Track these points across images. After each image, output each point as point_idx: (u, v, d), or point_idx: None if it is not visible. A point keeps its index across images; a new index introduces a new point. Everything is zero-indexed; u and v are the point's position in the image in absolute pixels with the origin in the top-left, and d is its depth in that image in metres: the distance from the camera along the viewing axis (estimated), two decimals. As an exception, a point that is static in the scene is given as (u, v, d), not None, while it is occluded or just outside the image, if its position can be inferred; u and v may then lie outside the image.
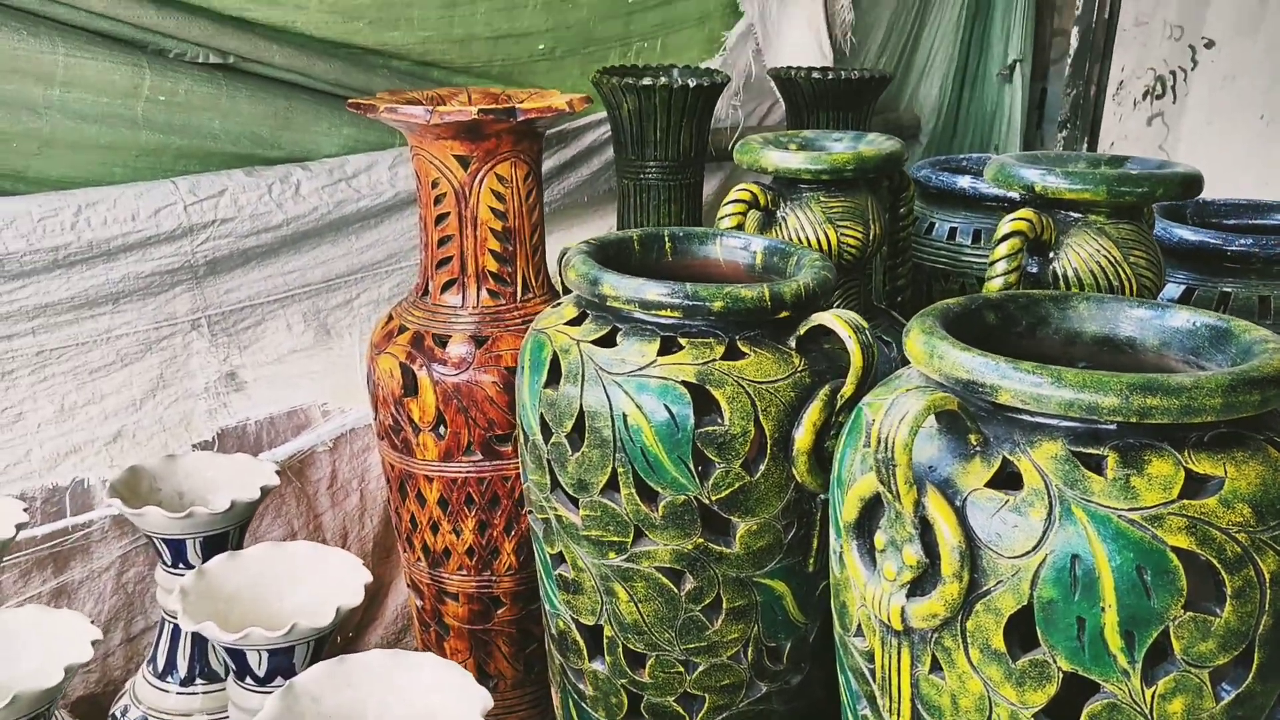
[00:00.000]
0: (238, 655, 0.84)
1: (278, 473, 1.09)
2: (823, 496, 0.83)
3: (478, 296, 1.11)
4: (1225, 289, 1.03)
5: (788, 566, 0.85)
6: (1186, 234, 1.05)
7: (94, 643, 0.84)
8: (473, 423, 1.09)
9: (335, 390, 1.30)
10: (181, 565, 1.02)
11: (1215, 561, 0.56)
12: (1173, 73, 1.87)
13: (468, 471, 1.11)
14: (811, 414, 0.80)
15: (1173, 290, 1.06)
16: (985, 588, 0.59)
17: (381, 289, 1.33)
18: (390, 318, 1.15)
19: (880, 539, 0.64)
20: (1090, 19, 1.85)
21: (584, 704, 0.93)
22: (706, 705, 0.88)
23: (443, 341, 1.10)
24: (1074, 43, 1.89)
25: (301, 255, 1.26)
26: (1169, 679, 0.57)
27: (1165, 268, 0.93)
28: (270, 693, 0.79)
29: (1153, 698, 0.57)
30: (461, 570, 1.16)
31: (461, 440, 1.10)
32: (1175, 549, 0.56)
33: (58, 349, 1.11)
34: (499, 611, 1.17)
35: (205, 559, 1.00)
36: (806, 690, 0.94)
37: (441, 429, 1.10)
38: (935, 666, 0.63)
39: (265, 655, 0.83)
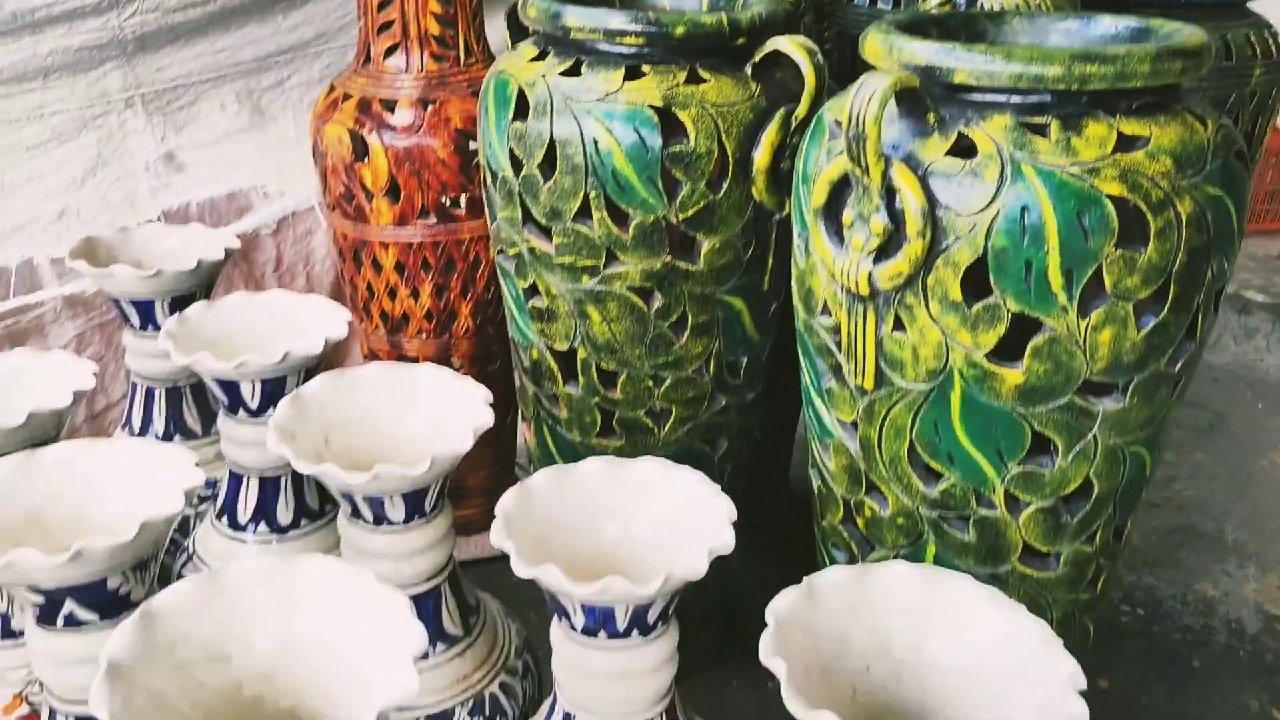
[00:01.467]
0: (230, 387, 0.88)
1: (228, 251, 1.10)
2: (778, 216, 0.90)
3: (421, 60, 1.12)
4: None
5: (745, 285, 0.92)
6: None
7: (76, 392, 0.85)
8: (426, 186, 1.12)
9: (273, 173, 1.30)
10: (150, 328, 1.04)
11: (1142, 204, 0.65)
12: None
13: (423, 236, 1.15)
14: (769, 135, 0.86)
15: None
16: (945, 244, 0.67)
17: (312, 70, 1.33)
18: (332, 88, 1.15)
19: (848, 215, 0.71)
20: None
21: (559, 427, 1.00)
22: (673, 417, 0.97)
23: (390, 106, 1.11)
24: None
25: (230, 34, 1.25)
26: (1100, 312, 0.66)
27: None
28: (264, 423, 0.84)
29: (1086, 329, 0.67)
30: (421, 334, 1.21)
31: (415, 204, 1.13)
32: (1109, 195, 0.64)
33: (-8, 124, 1.09)
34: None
35: (175, 322, 1.03)
36: (758, 405, 1.03)
37: (395, 193, 1.13)
38: (898, 325, 0.71)
39: (259, 385, 0.88)
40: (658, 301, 0.90)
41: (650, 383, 0.94)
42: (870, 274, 0.70)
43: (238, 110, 1.26)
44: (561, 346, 0.95)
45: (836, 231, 0.73)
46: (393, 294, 1.18)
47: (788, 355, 0.91)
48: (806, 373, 0.82)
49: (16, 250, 1.11)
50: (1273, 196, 2.01)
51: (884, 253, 0.69)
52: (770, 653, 0.57)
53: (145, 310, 1.03)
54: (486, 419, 0.79)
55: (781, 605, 0.62)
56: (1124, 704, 1.14)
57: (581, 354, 0.94)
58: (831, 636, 0.63)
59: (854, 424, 0.78)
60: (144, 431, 1.06)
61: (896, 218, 0.68)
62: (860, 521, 0.83)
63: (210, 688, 0.49)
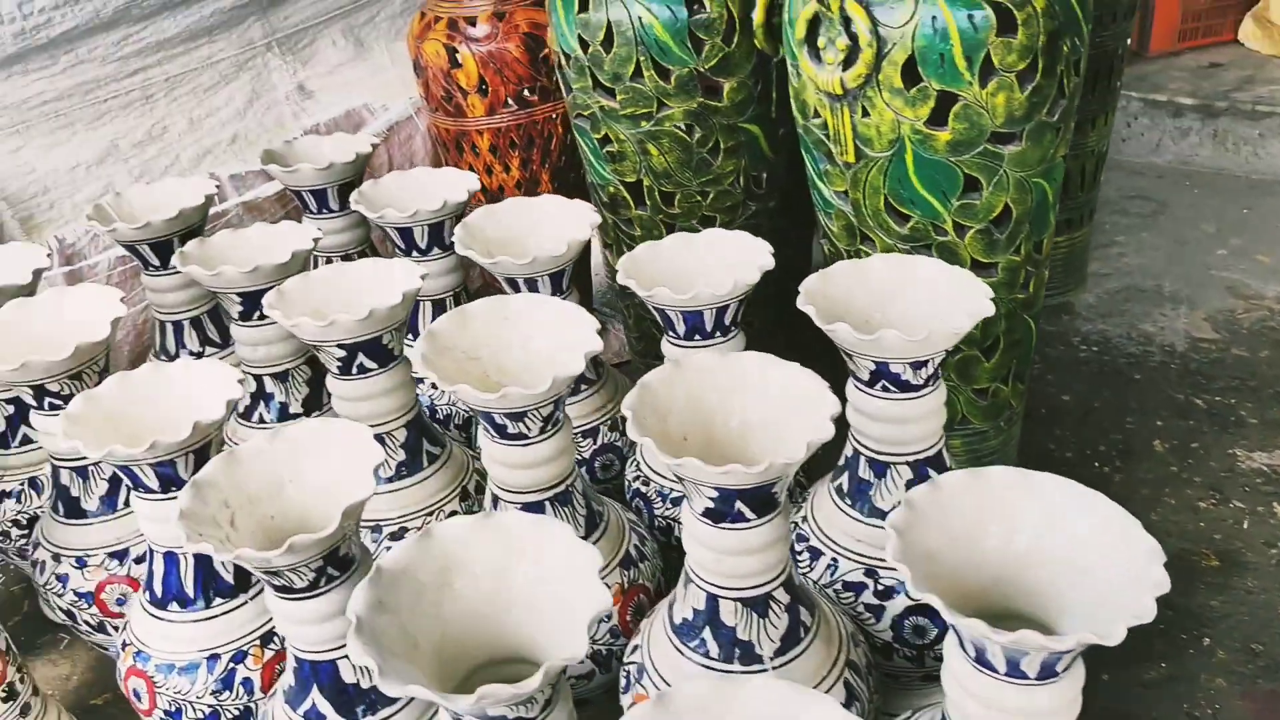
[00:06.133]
0: (407, 233, 1.24)
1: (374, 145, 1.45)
2: (775, 59, 1.24)
3: (491, -16, 1.46)
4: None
5: (759, 114, 1.27)
6: None
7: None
8: (506, 81, 1.47)
9: (377, 91, 1.65)
10: (325, 211, 1.40)
11: (1009, 4, 0.98)
12: None
13: (508, 121, 1.50)
14: (762, -2, 1.20)
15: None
16: (886, 50, 1.01)
17: (394, 5, 1.66)
18: (423, 14, 1.50)
19: (821, 41, 1.05)
20: None
21: (634, 244, 1.36)
22: (718, 222, 1.32)
23: (473, 21, 1.45)
24: None
25: (332, -18, 1.58)
26: (993, 82, 1.01)
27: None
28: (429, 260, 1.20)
29: (986, 95, 1.01)
30: (513, 201, 1.56)
31: (500, 96, 1.48)
32: (987, 1, 0.98)
33: (178, 74, 1.44)
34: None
35: (342, 206, 1.39)
36: (780, 212, 1.38)
37: (484, 90, 1.47)
38: (864, 113, 1.06)
39: (427, 229, 1.24)
40: (697, 134, 1.25)
41: (698, 197, 1.30)
42: (841, 79, 1.04)
43: (344, 44, 1.60)
44: (631, 179, 1.30)
45: (815, 54, 1.07)
46: (489, 171, 1.54)
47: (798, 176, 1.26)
48: (809, 165, 1.17)
49: (206, 170, 1.47)
50: (1199, 16, 2.31)
51: (848, 63, 1.04)
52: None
53: (320, 197, 1.39)
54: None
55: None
56: (1080, 409, 1.50)
57: (646, 182, 1.30)
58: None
59: (845, 193, 1.13)
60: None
61: (853, 37, 1.02)
62: (858, 264, 1.18)
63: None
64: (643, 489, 1.12)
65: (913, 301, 0.97)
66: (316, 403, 1.22)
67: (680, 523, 1.10)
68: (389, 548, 1.06)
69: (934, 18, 0.99)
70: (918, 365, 0.89)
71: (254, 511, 0.83)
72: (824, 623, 0.86)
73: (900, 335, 0.85)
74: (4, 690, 1.05)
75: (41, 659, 1.31)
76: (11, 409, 1.22)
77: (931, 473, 0.96)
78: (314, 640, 0.81)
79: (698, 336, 1.04)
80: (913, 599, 0.94)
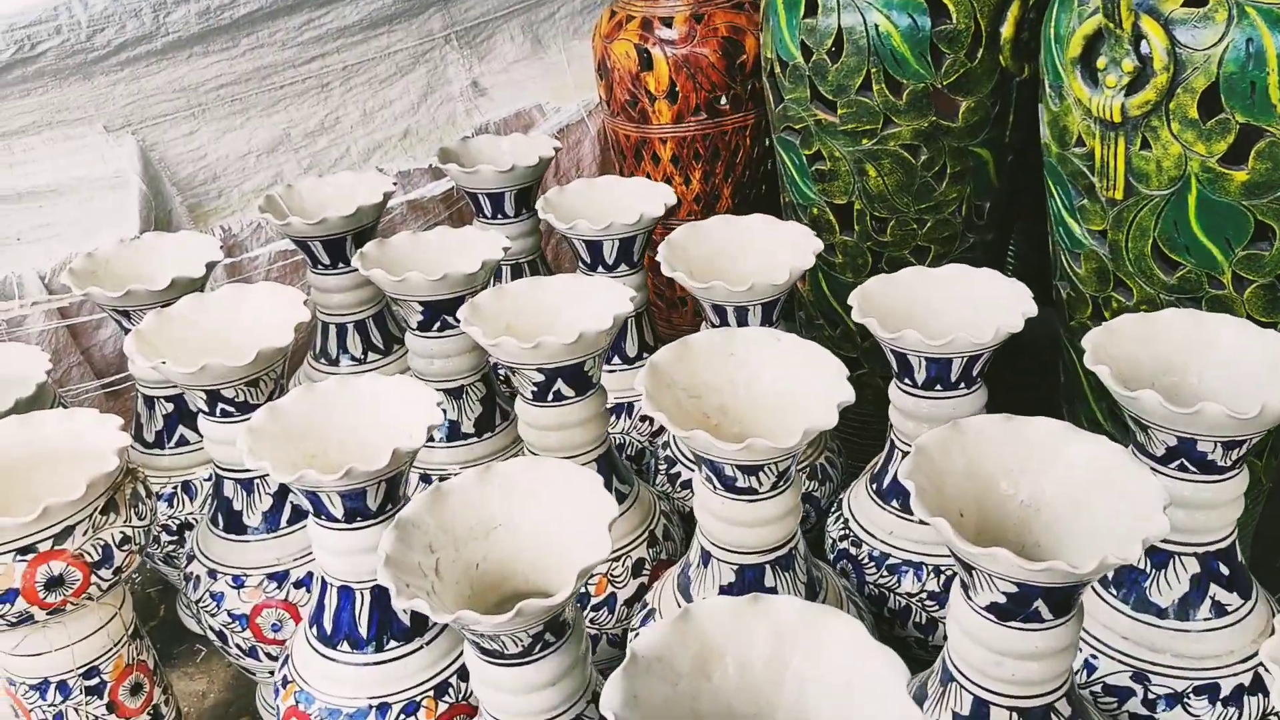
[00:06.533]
0: (595, 246, 1.15)
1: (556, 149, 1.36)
2: (1018, 79, 1.12)
3: (689, -17, 1.36)
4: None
5: (992, 138, 1.14)
6: None
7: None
8: (699, 87, 1.36)
9: (550, 92, 1.56)
10: (500, 216, 1.31)
11: (1345, 29, 0.84)
12: None
13: (695, 130, 1.39)
14: (1014, 10, 1.07)
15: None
16: (1184, 75, 0.88)
17: (575, 2, 1.57)
18: (614, 13, 1.40)
19: (1101, 61, 0.92)
20: None
21: (834, 271, 1.24)
22: (931, 254, 1.19)
23: (668, 22, 1.35)
24: None
25: (515, -25, 1.50)
26: (1311, 117, 0.87)
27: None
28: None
29: (1300, 132, 0.87)
30: (690, 217, 1.46)
31: (690, 103, 1.37)
32: (1318, 24, 0.84)
33: (356, 64, 1.36)
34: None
35: (518, 211, 1.30)
36: (998, 246, 1.25)
37: (674, 95, 1.37)
38: (1144, 144, 0.92)
39: (616, 244, 1.14)
40: (923, 155, 1.13)
41: (914, 225, 1.17)
42: (1123, 105, 0.91)
43: (522, 40, 1.52)
44: (840, 201, 1.19)
45: (1090, 76, 0.94)
46: (668, 181, 1.43)
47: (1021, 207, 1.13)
48: (1057, 199, 1.04)
49: (375, 165, 1.40)
50: None
51: (1133, 87, 0.90)
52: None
53: (496, 201, 1.30)
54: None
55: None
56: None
57: (857, 206, 1.18)
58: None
59: (1103, 232, 1.00)
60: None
61: (1143, 59, 0.89)
62: (1107, 314, 1.04)
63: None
64: (852, 550, 1.00)
65: (1212, 368, 0.83)
66: (489, 423, 1.12)
67: (895, 592, 0.98)
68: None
69: (1249, 40, 0.85)
70: (1231, 445, 0.76)
71: (459, 557, 0.73)
72: (1102, 741, 0.73)
73: (1226, 410, 0.72)
74: (150, 714, 0.97)
75: (177, 671, 1.24)
76: (170, 407, 1.15)
77: (1221, 567, 0.82)
78: (517, 712, 0.71)
79: (938, 387, 0.92)
80: (1195, 715, 0.81)
